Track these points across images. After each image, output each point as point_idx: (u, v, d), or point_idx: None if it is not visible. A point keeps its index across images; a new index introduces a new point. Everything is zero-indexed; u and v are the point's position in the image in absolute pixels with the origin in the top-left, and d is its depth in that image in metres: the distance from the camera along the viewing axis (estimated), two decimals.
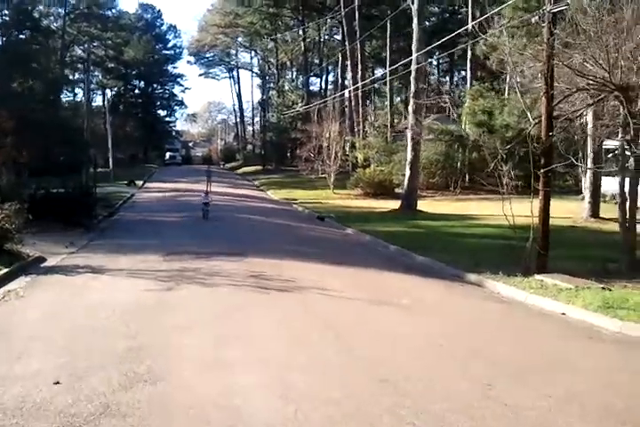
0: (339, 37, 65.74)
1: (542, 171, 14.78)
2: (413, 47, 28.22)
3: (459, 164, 36.57)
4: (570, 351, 7.97)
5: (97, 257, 14.76)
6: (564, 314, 10.75)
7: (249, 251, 15.87)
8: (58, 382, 6.03)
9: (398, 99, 68.50)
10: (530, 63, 16.36)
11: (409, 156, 28.35)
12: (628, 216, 14.53)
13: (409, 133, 28.52)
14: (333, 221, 25.39)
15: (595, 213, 24.53)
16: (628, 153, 14.43)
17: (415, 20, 28.58)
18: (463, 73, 59.63)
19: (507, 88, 36.35)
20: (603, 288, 12.27)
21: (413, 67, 28.41)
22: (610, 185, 29.22)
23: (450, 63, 57.32)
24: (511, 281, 13.17)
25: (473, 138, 17.41)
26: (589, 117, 22.59)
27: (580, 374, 6.82)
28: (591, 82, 14.13)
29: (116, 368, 6.40)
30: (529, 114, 14.94)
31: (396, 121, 43.72)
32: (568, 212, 27.16)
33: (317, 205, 31.84)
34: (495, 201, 32.23)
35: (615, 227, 22.27)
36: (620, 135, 14.69)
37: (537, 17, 15.27)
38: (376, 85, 49.70)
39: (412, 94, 28.84)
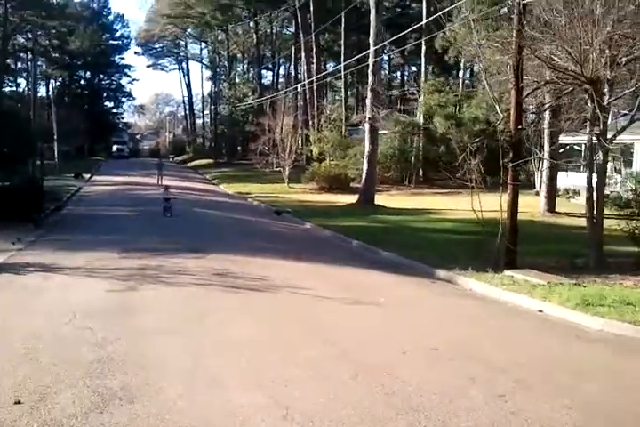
0: (291, 30, 65.04)
1: (511, 164, 14.48)
2: (371, 40, 27.70)
3: (413, 158, 36.35)
4: (564, 353, 7.58)
5: (48, 254, 13.78)
6: (540, 311, 10.45)
7: (210, 247, 15.17)
8: (19, 402, 5.25)
9: (349, 93, 68.19)
10: (496, 55, 16.00)
11: (367, 149, 27.87)
12: (595, 211, 14.37)
13: (367, 126, 28.04)
14: (291, 215, 24.77)
15: (551, 207, 24.59)
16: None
17: (373, 12, 28.05)
18: (414, 68, 59.78)
19: (460, 82, 36.41)
20: (575, 284, 12.06)
21: (371, 60, 27.94)
22: (563, 180, 29.53)
23: (402, 58, 57.14)
24: (482, 277, 12.88)
25: (441, 131, 17.07)
26: (546, 112, 22.60)
27: (588, 380, 6.40)
28: (561, 75, 13.91)
29: (84, 384, 5.64)
30: (497, 106, 14.61)
31: (349, 115, 43.15)
32: (524, 206, 26.92)
33: (273, 199, 31.14)
34: (450, 195, 32.77)
35: (572, 221, 22.49)
36: (588, 129, 14.48)
37: (505, 8, 15.01)
38: (327, 79, 49.06)
39: (369, 87, 28.35)
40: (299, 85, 39.39)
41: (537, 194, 31.17)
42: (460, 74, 37.47)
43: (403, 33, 28.53)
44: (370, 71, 28.16)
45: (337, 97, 62.73)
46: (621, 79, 14.26)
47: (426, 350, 7.08)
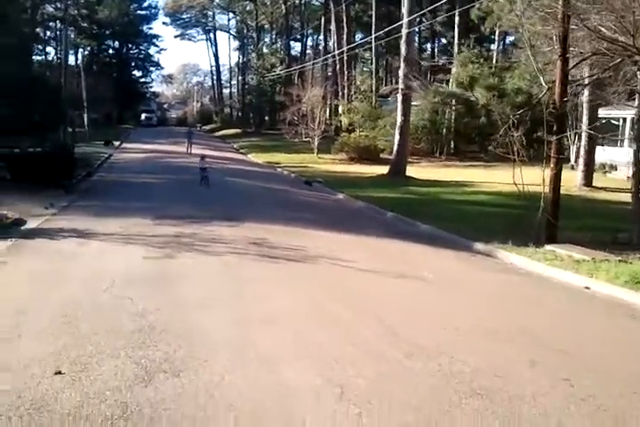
0: (320, 1, 63.67)
1: (555, 137, 13.83)
2: (404, 10, 26.78)
3: (444, 130, 35.50)
4: (622, 334, 7.10)
5: (81, 220, 13.54)
6: (587, 288, 9.98)
7: (244, 215, 14.83)
8: (59, 373, 4.93)
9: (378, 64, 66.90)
10: (538, 26, 15.15)
11: (399, 120, 27.15)
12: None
13: (399, 97, 27.28)
14: (322, 185, 24.29)
15: (588, 181, 23.79)
16: None
17: None
18: (443, 40, 58.27)
19: (494, 54, 35.27)
20: (621, 261, 11.54)
21: (404, 30, 27.01)
22: (600, 155, 28.62)
23: (431, 30, 55.63)
24: (523, 252, 12.42)
25: (483, 102, 16.36)
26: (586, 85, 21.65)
27: None
28: (610, 46, 13.12)
29: (127, 355, 5.32)
30: (541, 78, 13.85)
31: (379, 86, 42.17)
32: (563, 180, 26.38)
33: (302, 169, 30.63)
34: (482, 168, 32.06)
35: (610, 196, 21.76)
36: (637, 102, 13.74)
37: None
38: (356, 51, 48.01)
39: (402, 58, 27.50)
40: (329, 56, 38.39)
41: (572, 168, 30.27)
42: (494, 46, 36.30)
43: (436, 4, 27.52)
44: (403, 42, 27.29)
45: (365, 68, 61.55)
46: None
47: (480, 330, 6.64)
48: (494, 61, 34.50)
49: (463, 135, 36.37)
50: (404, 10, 26.62)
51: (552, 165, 13.99)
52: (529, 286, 9.76)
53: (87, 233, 11.79)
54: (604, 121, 28.87)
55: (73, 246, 10.48)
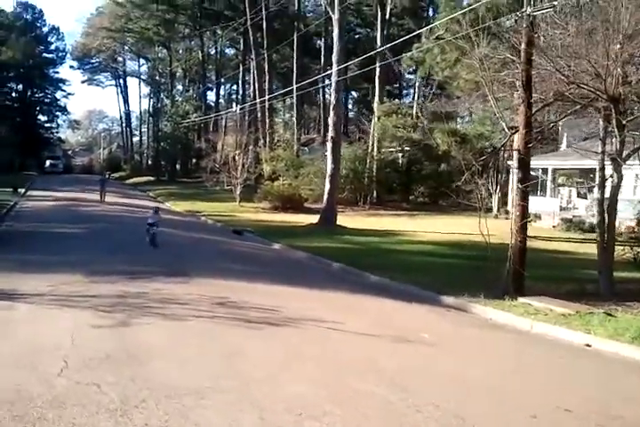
0: (232, 50, 63.34)
1: (521, 185, 13.20)
2: (334, 58, 26.36)
3: (365, 179, 35.07)
4: None
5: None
6: (589, 346, 9.07)
7: (185, 269, 13.22)
8: None
9: (287, 115, 66.87)
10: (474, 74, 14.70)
11: (329, 168, 26.32)
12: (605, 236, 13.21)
13: (329, 145, 26.52)
14: (253, 235, 22.85)
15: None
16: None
17: (336, 31, 26.82)
18: (354, 93, 58.94)
19: (414, 107, 35.49)
20: (607, 313, 10.81)
21: (334, 78, 26.56)
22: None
23: (344, 82, 56.21)
24: (499, 306, 11.58)
25: (443, 148, 15.76)
26: (517, 136, 21.57)
27: None
28: (582, 89, 12.73)
29: None
30: (503, 124, 13.29)
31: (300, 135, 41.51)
32: (490, 229, 26.19)
33: (227, 218, 29.06)
34: (407, 217, 31.60)
35: (547, 245, 21.54)
36: (600, 148, 13.34)
37: (513, 20, 13.85)
38: (276, 99, 47.49)
39: (332, 105, 26.89)
40: (251, 103, 37.34)
41: (496, 217, 30.39)
42: (415, 96, 36.63)
43: (367, 54, 27.38)
44: (332, 90, 26.90)
45: (277, 118, 61.13)
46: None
47: (561, 413, 5.37)
48: (414, 113, 34.68)
49: (384, 184, 36.10)
50: (334, 59, 26.20)
51: (517, 213, 13.32)
52: (531, 346, 8.73)
53: (11, 294, 9.74)
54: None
55: None
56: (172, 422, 4.54)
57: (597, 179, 13.39)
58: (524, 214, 13.33)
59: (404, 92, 57.61)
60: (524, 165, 13.12)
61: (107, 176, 35.46)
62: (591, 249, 20.64)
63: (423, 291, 12.80)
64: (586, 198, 26.70)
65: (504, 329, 10.05)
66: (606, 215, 13.12)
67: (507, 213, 30.42)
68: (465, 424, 4.82)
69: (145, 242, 16.52)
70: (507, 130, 13.25)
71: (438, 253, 18.87)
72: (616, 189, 12.96)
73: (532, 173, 28.94)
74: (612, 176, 12.93)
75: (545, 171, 28.94)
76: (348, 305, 10.69)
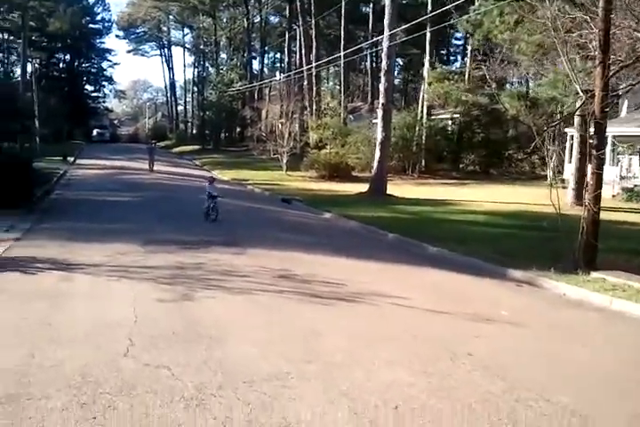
0: (276, 19, 62.04)
1: (596, 152, 12.23)
2: (386, 22, 25.22)
3: (414, 147, 34.01)
4: None
5: (54, 246, 11.14)
6: None
7: (240, 239, 12.79)
8: None
9: (331, 83, 65.57)
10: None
11: (379, 136, 25.44)
12: None
13: (379, 112, 25.57)
14: (303, 204, 22.30)
15: (579, 200, 22.41)
16: None
17: None
18: (399, 60, 57.16)
19: (467, 71, 34.07)
20: None
21: (385, 43, 25.45)
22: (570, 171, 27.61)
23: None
24: (572, 281, 10.76)
25: (512, 112, 14.88)
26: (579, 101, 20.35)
27: None
28: None
29: None
30: (578, 87, 12.26)
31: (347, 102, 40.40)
32: (542, 198, 25.11)
33: (274, 186, 28.55)
34: (457, 186, 30.58)
35: (608, 215, 20.44)
36: None
37: None
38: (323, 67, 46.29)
39: (383, 72, 25.84)
40: (298, 71, 36.30)
41: (551, 186, 29.16)
42: (468, 61, 35.13)
43: (419, 20, 26.17)
44: (384, 55, 25.72)
45: (322, 87, 59.95)
46: None
47: None
48: (466, 77, 33.27)
49: (434, 153, 35.03)
50: (386, 23, 25.08)
51: (591, 182, 12.38)
52: (621, 326, 7.95)
53: (68, 264, 9.42)
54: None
55: (56, 284, 8.11)
56: (256, 415, 4.02)
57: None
58: (599, 183, 12.40)
59: (452, 58, 55.81)
60: (599, 131, 12.11)
61: (154, 145, 35.08)
62: None
63: (487, 264, 12.09)
64: None
65: (582, 306, 9.31)
66: None
67: (562, 181, 29.21)
68: (589, 425, 4.17)
69: (200, 214, 15.92)
70: (581, 93, 12.25)
71: (496, 224, 18.02)
72: None
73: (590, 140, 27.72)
74: None
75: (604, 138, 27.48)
76: (412, 278, 10.08)
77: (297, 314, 6.69)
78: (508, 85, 31.54)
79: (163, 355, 5.22)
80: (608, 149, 28.03)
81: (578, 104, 13.05)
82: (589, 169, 12.50)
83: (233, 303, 7.11)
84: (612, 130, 26.88)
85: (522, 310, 8.24)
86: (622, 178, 26.39)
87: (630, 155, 27.07)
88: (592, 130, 12.44)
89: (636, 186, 24.25)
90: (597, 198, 12.42)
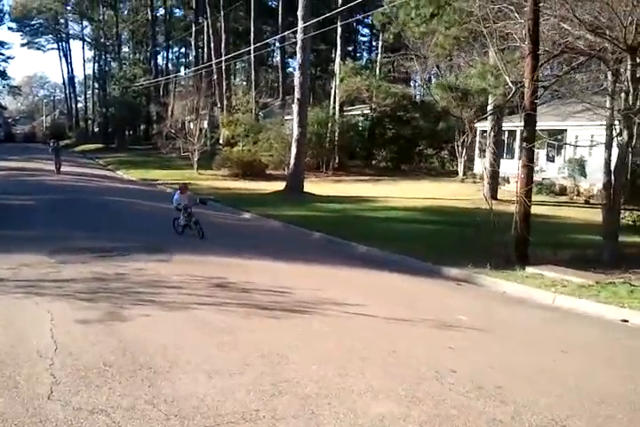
0: (182, 11, 59.90)
1: (526, 145, 12.08)
2: (299, 15, 24.53)
3: (328, 144, 33.54)
4: None
5: None
6: (625, 321, 8.13)
7: (161, 244, 11.68)
8: None
9: (238, 79, 64.08)
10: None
11: (295, 132, 24.71)
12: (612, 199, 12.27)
13: (295, 107, 24.83)
14: (220, 204, 21.25)
15: (494, 194, 22.65)
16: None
17: None
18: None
19: (378, 65, 33.92)
20: (628, 284, 9.96)
21: (299, 36, 24.75)
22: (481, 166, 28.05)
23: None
24: (510, 277, 10.59)
25: (442, 104, 14.51)
26: (491, 95, 20.50)
27: None
28: (588, 40, 11.55)
29: None
30: (507, 78, 12.01)
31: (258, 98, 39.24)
32: (457, 193, 25.35)
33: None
34: (372, 183, 30.38)
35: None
36: (608, 104, 12.30)
37: None
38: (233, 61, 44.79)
39: (298, 66, 25.15)
40: (206, 65, 34.81)
41: (462, 181, 29.53)
42: (379, 56, 34.95)
43: (332, 12, 25.69)
44: (298, 48, 24.99)
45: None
46: None
47: None
48: (377, 72, 33.09)
49: (347, 149, 34.72)
50: (300, 15, 24.38)
51: (522, 176, 12.22)
52: (577, 326, 7.65)
53: None
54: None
55: None
56: None
57: (605, 137, 12.38)
58: (530, 177, 12.28)
59: (357, 55, 55.90)
60: (531, 123, 11.91)
61: (57, 144, 32.60)
62: (572, 213, 20.15)
63: (421, 262, 11.75)
64: (553, 162, 26.02)
65: (528, 304, 9.05)
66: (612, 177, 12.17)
67: (474, 176, 29.61)
68: None
69: (115, 218, 14.59)
70: (511, 85, 12.00)
71: (418, 220, 17.80)
72: (625, 148, 11.97)
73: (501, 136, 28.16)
74: (619, 135, 11.92)
75: (512, 133, 28.07)
76: (354, 282, 9.43)
77: (248, 332, 5.82)
78: (433, 78, 31.62)
79: (97, 394, 4.24)
80: (517, 143, 28.77)
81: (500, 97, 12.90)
82: (520, 162, 12.34)
83: (172, 322, 6.14)
84: (519, 124, 27.53)
85: (475, 312, 7.76)
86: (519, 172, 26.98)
87: (537, 149, 27.76)
88: (521, 124, 12.27)
89: (544, 179, 24.79)
90: (529, 192, 12.29)
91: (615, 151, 12.04)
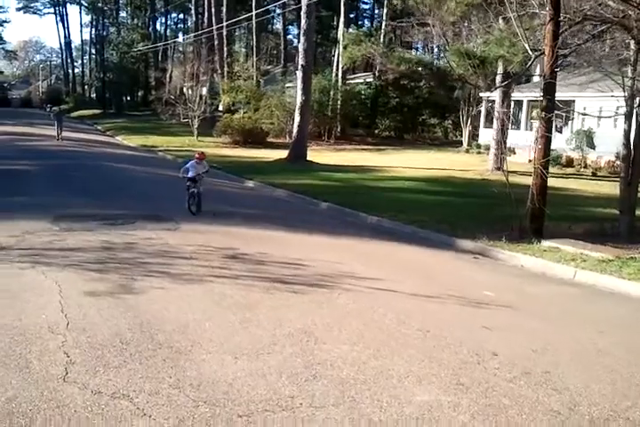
0: None
1: (545, 114, 11.57)
2: None
3: (330, 112, 32.86)
4: None
5: None
6: None
7: (167, 212, 11.28)
8: None
9: (237, 45, 62.77)
10: None
11: (299, 99, 24.08)
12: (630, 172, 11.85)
13: (299, 74, 24.13)
14: (222, 171, 20.77)
15: (499, 165, 22.19)
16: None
17: None
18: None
19: (382, 33, 33.08)
20: None
21: (304, 2, 23.94)
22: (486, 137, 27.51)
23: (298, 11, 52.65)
24: (527, 250, 10.23)
25: (458, 72, 13.97)
26: (500, 63, 19.85)
27: None
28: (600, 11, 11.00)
29: None
30: (526, 45, 11.46)
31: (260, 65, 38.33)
32: (465, 164, 24.89)
33: (186, 153, 26.42)
34: (375, 152, 29.88)
35: (527, 180, 20.41)
36: (630, 74, 11.77)
37: None
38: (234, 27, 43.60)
39: (302, 31, 24.34)
40: (214, 28, 33.47)
41: (467, 151, 29.03)
42: (382, 24, 34.00)
43: None
44: (303, 13, 24.13)
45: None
46: None
47: None
48: (381, 40, 32.24)
49: (349, 118, 34.08)
50: None
51: (540, 146, 11.78)
52: (609, 303, 7.30)
53: None
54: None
55: None
56: None
57: (625, 108, 11.89)
58: (548, 148, 11.84)
59: (359, 22, 54.68)
60: (550, 92, 11.39)
61: (60, 110, 31.63)
62: (581, 185, 19.77)
63: (434, 234, 11.37)
64: (561, 132, 25.46)
65: (549, 279, 8.72)
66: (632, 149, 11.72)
67: (478, 147, 29.09)
68: None
69: (118, 183, 14.16)
70: (530, 52, 11.46)
71: (425, 191, 17.40)
72: None
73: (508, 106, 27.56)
74: None
75: (518, 103, 27.48)
76: (370, 254, 9.06)
77: (270, 309, 5.44)
78: (438, 46, 30.83)
79: (116, 376, 3.89)
80: (523, 114, 28.21)
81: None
82: (539, 133, 11.87)
83: (188, 296, 5.76)
84: (527, 94, 26.92)
85: (499, 288, 7.42)
86: (536, 142, 26.50)
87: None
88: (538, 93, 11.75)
89: (551, 151, 24.33)
90: (547, 163, 11.87)
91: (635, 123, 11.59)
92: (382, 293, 6.26)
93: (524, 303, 6.51)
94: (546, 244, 10.68)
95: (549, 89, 11.43)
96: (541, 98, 11.66)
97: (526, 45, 11.44)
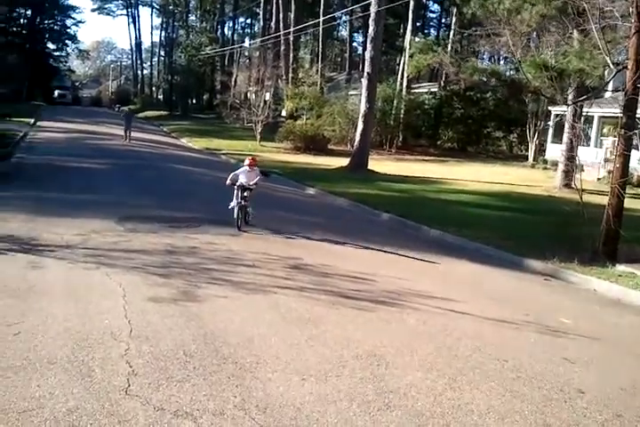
0: None
1: (625, 133, 10.96)
2: None
3: (392, 122, 32.47)
4: None
5: (17, 220, 9.38)
6: None
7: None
8: None
9: (302, 52, 63.14)
10: None
11: (363, 107, 23.83)
12: None
13: (364, 82, 23.91)
14: (283, 177, 20.69)
15: (568, 182, 21.37)
16: None
17: None
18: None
19: (450, 42, 32.57)
20: None
21: (373, 8, 23.70)
22: (559, 154, 26.60)
23: (364, 20, 52.51)
24: (601, 274, 9.67)
25: (534, 84, 13.54)
26: (577, 76, 19.12)
27: None
28: None
29: None
30: (608, 59, 10.91)
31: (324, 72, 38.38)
32: (529, 180, 24.18)
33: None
34: (437, 163, 29.32)
35: (598, 199, 19.55)
36: None
37: None
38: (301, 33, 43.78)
39: (370, 39, 24.14)
40: (281, 33, 33.76)
41: (533, 166, 28.21)
42: (450, 33, 33.54)
43: None
44: (371, 20, 23.89)
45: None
46: None
47: None
48: (449, 49, 31.73)
49: (412, 128, 33.62)
50: None
51: (617, 165, 11.17)
52: None
53: (34, 245, 7.76)
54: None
55: (21, 273, 6.44)
56: None
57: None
58: (627, 166, 11.21)
59: (426, 31, 54.15)
60: (632, 109, 10.79)
61: (130, 111, 32.16)
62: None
63: (501, 252, 10.87)
64: (637, 149, 24.31)
65: (627, 307, 8.18)
66: None
67: (545, 162, 28.21)
68: None
69: (181, 186, 14.21)
70: (612, 66, 10.89)
71: (489, 205, 16.84)
72: None
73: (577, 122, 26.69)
74: None
75: (589, 119, 26.47)
76: (436, 271, 8.71)
77: (336, 326, 5.21)
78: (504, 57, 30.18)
79: (179, 392, 3.72)
80: (593, 130, 27.20)
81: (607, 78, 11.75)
82: (616, 151, 11.29)
83: (251, 306, 5.58)
84: (598, 110, 25.97)
85: (575, 314, 6.97)
86: (606, 161, 25.49)
87: (615, 137, 26.16)
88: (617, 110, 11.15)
89: None
90: (625, 183, 11.26)
91: None
92: (453, 314, 5.95)
93: (604, 334, 6.07)
94: (620, 268, 10.11)
95: (631, 105, 10.84)
96: (621, 114, 11.10)
97: (607, 59, 10.89)
